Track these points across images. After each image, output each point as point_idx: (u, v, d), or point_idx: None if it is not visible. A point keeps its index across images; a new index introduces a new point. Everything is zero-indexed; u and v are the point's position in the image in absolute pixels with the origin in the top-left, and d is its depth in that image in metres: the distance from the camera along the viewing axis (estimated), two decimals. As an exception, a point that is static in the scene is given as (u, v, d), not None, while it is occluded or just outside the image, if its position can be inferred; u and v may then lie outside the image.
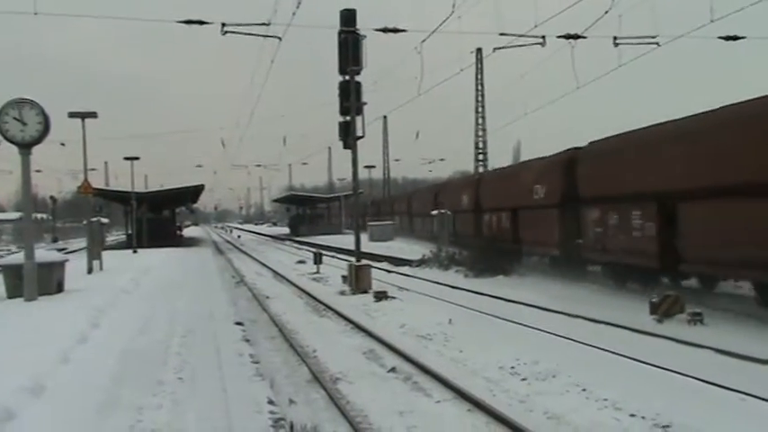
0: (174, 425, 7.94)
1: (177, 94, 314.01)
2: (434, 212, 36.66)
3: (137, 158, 50.92)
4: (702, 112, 16.20)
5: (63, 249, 47.70)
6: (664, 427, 7.85)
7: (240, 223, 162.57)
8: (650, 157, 17.68)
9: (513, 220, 28.38)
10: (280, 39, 22.25)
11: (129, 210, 53.29)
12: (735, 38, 22.41)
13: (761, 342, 12.12)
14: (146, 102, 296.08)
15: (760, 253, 13.73)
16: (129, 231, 55.21)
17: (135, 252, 45.12)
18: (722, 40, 22.37)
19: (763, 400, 8.71)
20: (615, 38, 21.68)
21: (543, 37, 22.05)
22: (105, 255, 32.52)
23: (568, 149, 23.93)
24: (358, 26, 22.57)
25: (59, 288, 20.71)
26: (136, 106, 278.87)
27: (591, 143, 22.36)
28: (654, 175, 17.31)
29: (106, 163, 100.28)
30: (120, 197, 56.28)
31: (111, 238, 78.65)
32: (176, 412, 8.47)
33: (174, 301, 19.97)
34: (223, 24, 21.26)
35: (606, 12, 18.98)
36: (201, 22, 21.01)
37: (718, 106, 15.73)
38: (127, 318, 16.41)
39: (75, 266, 25.06)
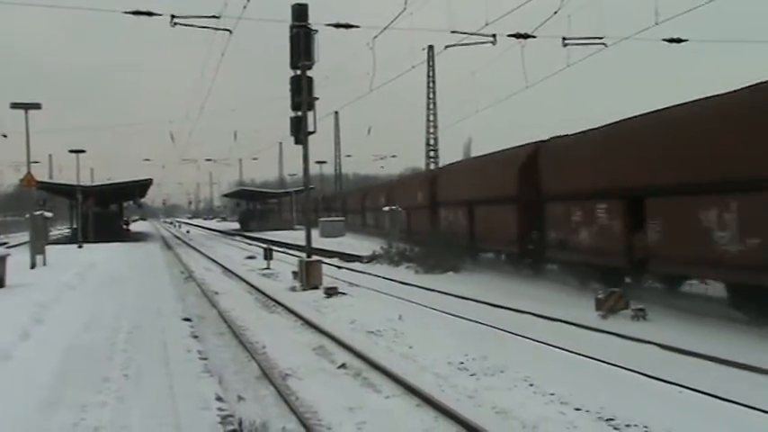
0: (118, 422, 7.80)
1: (125, 86, 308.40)
2: (386, 209, 36.73)
3: (82, 151, 49.94)
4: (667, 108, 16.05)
5: (4, 244, 46.41)
6: (607, 420, 8.03)
7: (189, 218, 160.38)
8: (618, 151, 17.26)
9: (470, 216, 28.11)
10: (230, 32, 22.02)
11: (75, 204, 52.14)
12: (678, 40, 22.92)
13: (700, 337, 12.48)
14: (92, 94, 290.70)
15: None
16: (75, 226, 54.04)
17: (80, 247, 44.14)
18: (666, 42, 22.85)
19: (699, 392, 8.98)
20: (564, 38, 21.98)
21: (494, 36, 22.26)
22: (49, 249, 31.77)
23: (529, 143, 23.64)
24: (310, 21, 22.46)
25: (0, 283, 20.18)
26: (82, 98, 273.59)
27: (554, 138, 22.14)
28: (621, 171, 16.92)
29: (50, 155, 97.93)
30: (65, 191, 55.03)
31: (56, 232, 76.92)
32: (121, 410, 8.32)
33: (121, 296, 19.62)
34: (172, 16, 20.94)
35: (555, 12, 19.24)
36: (150, 14, 20.66)
37: (662, 107, 16.04)
38: (71, 314, 16.06)
39: (18, 261, 24.41)
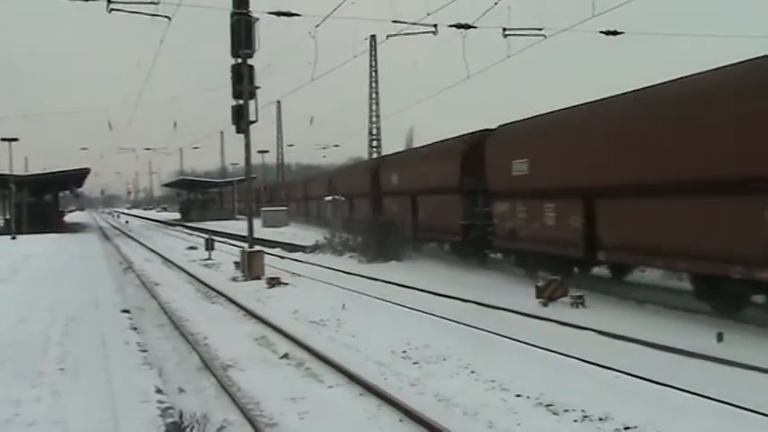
0: (53, 417, 7.60)
1: (60, 73, 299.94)
2: (329, 198, 36.61)
3: (15, 140, 48.38)
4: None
5: (-68, 235, 44.83)
6: (547, 405, 8.19)
7: (128, 208, 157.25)
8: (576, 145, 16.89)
9: (413, 206, 28.18)
10: (169, 18, 21.54)
11: (8, 194, 50.58)
12: (614, 32, 23.33)
13: (635, 323, 12.81)
14: (26, 81, 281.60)
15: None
16: (8, 216, 52.43)
17: (14, 239, 42.90)
18: (603, 35, 23.24)
19: (635, 376, 9.23)
20: (504, 29, 22.16)
21: (435, 26, 22.28)
22: (-20, 241, 30.76)
23: (476, 132, 23.41)
24: (251, 8, 22.19)
25: (-71, 276, 19.49)
26: (15, 85, 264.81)
27: (501, 126, 21.82)
28: (578, 166, 16.64)
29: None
30: (-2, 180, 53.34)
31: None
32: (57, 405, 8.11)
33: (57, 288, 19.10)
34: (109, 1, 20.37)
35: (495, 3, 19.36)
36: (86, -1, 20.08)
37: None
38: (4, 307, 15.59)
39: (-53, 253, 23.59)
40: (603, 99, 16.53)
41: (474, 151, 22.39)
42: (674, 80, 14.15)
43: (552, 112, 18.90)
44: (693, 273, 14.04)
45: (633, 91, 15.35)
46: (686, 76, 13.84)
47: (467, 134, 24.22)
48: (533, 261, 19.72)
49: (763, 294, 12.85)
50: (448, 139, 26.28)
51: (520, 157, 19.49)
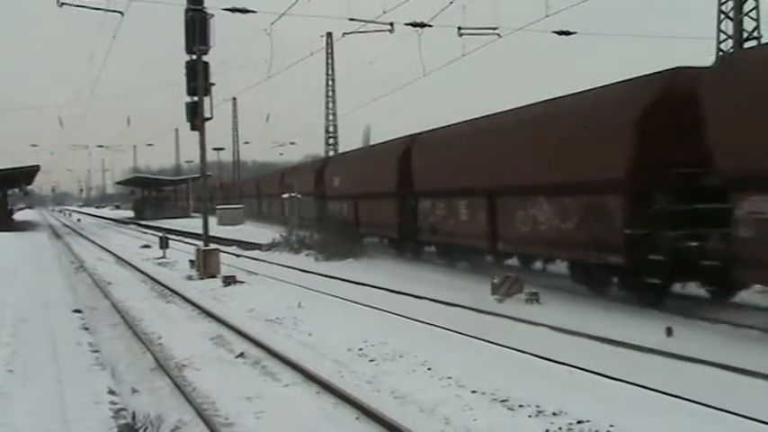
0: (1, 420, 7.43)
1: (8, 68, 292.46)
2: (285, 196, 36.43)
3: (-38, 136, 47.10)
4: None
5: None
6: (502, 401, 8.27)
7: (81, 206, 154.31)
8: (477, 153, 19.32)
9: (354, 207, 29.59)
10: (122, 14, 21.26)
11: (-47, 191, 49.29)
12: (567, 33, 23.68)
13: (588, 318, 13.02)
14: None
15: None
16: (-47, 215, 51.06)
17: (-40, 237, 41.76)
18: (556, 34, 23.57)
19: (587, 371, 9.38)
20: (459, 28, 22.32)
21: (392, 24, 22.39)
22: (-75, 240, 29.88)
23: (406, 137, 25.34)
24: (205, 5, 21.92)
25: None
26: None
27: (424, 132, 23.98)
28: (483, 173, 18.83)
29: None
30: (-58, 177, 51.86)
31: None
32: (4, 407, 7.92)
33: (5, 288, 18.63)
34: (59, -6, 19.99)
35: (451, 2, 19.51)
36: (35, -9, 19.67)
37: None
38: (-51, 308, 15.17)
39: None
40: (494, 114, 19.35)
41: (405, 155, 24.30)
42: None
43: (465, 121, 21.15)
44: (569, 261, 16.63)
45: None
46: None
47: (399, 138, 26.13)
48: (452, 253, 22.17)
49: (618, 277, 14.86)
50: (384, 143, 28.67)
51: (438, 161, 21.70)
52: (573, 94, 16.01)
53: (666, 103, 13.12)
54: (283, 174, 45.78)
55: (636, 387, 8.63)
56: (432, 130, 23.50)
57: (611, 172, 13.83)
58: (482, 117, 19.97)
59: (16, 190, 68.91)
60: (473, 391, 8.68)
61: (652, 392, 8.39)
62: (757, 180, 10.91)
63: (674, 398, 8.14)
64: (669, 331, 11.46)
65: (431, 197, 22.62)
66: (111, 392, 8.45)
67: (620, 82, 14.58)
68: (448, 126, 22.32)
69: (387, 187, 25.63)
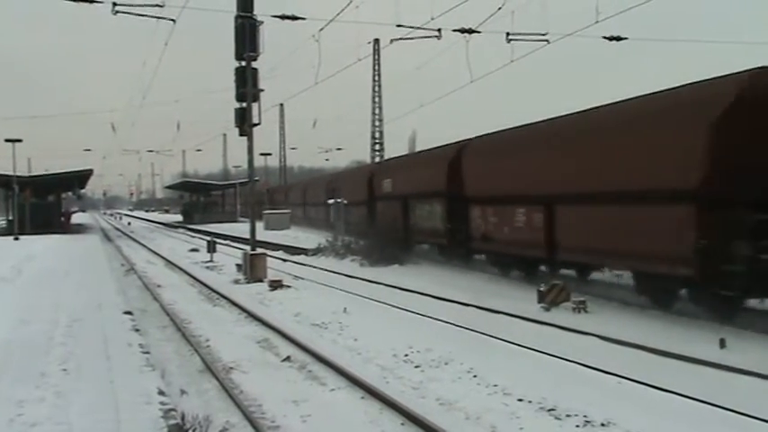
0: (56, 418, 7.62)
1: (65, 75, 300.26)
2: (330, 201, 36.62)
3: (19, 141, 48.47)
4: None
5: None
6: (549, 410, 8.19)
7: (131, 210, 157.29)
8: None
9: (405, 211, 29.06)
10: (174, 21, 21.63)
11: (11, 194, 50.64)
12: (618, 38, 23.36)
13: (637, 328, 12.78)
14: (30, 82, 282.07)
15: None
16: (11, 217, 52.46)
17: (17, 239, 42.94)
18: (606, 40, 23.28)
19: (637, 382, 9.22)
20: (508, 33, 22.17)
21: (439, 30, 22.33)
22: (-17, 241, 30.80)
23: (458, 142, 24.87)
24: (255, 12, 22.22)
25: (-68, 276, 19.51)
26: (19, 86, 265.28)
27: (476, 138, 23.43)
28: (542, 179, 18.07)
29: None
30: (1, 181, 53.34)
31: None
32: (60, 405, 8.13)
33: (60, 289, 19.13)
34: (114, 4, 20.43)
35: (499, 8, 19.42)
36: (91, 1, 20.15)
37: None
38: (7, 307, 15.63)
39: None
40: (552, 118, 18.88)
41: (456, 160, 23.67)
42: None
43: (522, 126, 20.47)
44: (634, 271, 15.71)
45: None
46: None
47: (450, 144, 25.61)
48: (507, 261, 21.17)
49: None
50: (434, 149, 28.00)
51: (491, 166, 20.99)
52: (640, 96, 15.21)
53: (748, 105, 12.12)
54: (330, 180, 45.96)
55: (686, 399, 8.47)
56: (485, 135, 22.97)
57: (684, 179, 12.84)
58: (541, 121, 19.38)
59: (70, 193, 70.39)
60: (519, 400, 8.61)
61: (703, 405, 8.23)
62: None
63: (725, 410, 7.97)
64: (722, 343, 11.20)
65: (482, 204, 21.89)
66: (161, 393, 8.61)
67: (696, 82, 13.71)
68: (503, 131, 21.73)
69: (435, 191, 25.21)
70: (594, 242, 16.03)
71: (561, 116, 18.41)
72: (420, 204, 27.48)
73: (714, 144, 12.31)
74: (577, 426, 7.68)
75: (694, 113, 12.94)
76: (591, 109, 17.11)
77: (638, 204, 14.44)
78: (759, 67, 12.55)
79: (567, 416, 7.96)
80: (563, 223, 17.50)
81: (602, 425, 7.62)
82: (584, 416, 7.87)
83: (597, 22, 19.32)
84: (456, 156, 23.95)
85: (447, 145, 26.36)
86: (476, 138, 23.77)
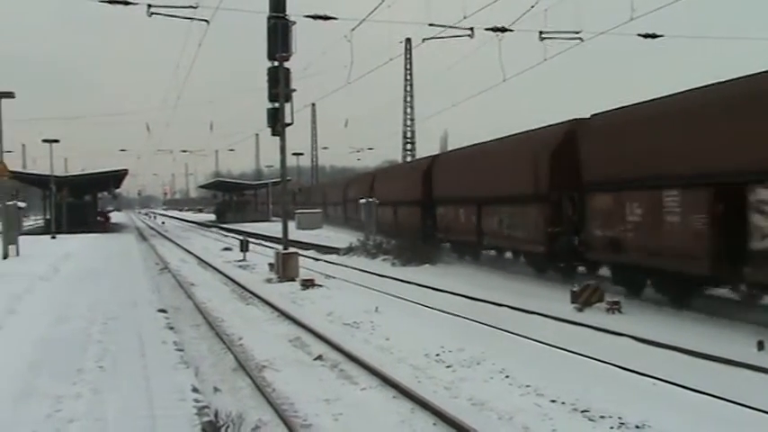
0: (93, 414, 7.73)
1: (100, 76, 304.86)
2: (362, 201, 36.61)
3: (56, 141, 49.28)
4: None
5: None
6: (582, 411, 8.12)
7: (165, 209, 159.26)
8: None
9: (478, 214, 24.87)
10: (207, 22, 21.81)
11: (48, 194, 51.52)
12: (653, 36, 23.08)
13: (673, 330, 12.62)
14: (67, 83, 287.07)
15: None
16: (48, 216, 53.39)
17: (54, 238, 43.66)
18: (641, 38, 23.01)
19: (672, 384, 9.10)
20: (541, 32, 22.02)
21: (471, 29, 22.24)
22: (22, 240, 31.37)
23: (564, 122, 19.50)
24: (287, 12, 22.32)
25: (-28, 274, 19.90)
26: (56, 87, 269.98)
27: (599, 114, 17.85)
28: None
29: (24, 145, 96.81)
30: (39, 181, 54.34)
31: (29, 223, 75.90)
32: (96, 401, 8.25)
33: (95, 287, 19.42)
34: (149, 5, 20.67)
35: (532, 6, 19.33)
36: (126, 3, 20.39)
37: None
38: (45, 304, 15.89)
39: (-10, 252, 24.06)
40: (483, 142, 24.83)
41: (564, 146, 18.70)
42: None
43: (670, 95, 15.15)
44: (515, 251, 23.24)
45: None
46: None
47: (550, 126, 20.43)
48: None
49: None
50: (522, 133, 22.30)
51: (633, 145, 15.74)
52: (514, 134, 20.73)
53: (567, 142, 12.80)
54: (372, 179, 42.82)
55: (723, 401, 8.34)
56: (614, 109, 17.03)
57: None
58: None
59: (105, 193, 71.49)
60: (552, 401, 8.55)
61: (740, 407, 8.10)
62: None
63: (763, 413, 7.83)
64: (761, 345, 11.00)
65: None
66: (195, 390, 8.68)
67: (542, 127, 19.18)
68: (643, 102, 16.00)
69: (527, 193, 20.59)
70: (499, 230, 22.33)
71: (483, 142, 25.05)
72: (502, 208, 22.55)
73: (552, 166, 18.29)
74: (612, 427, 7.60)
75: (542, 146, 19.04)
76: (489, 141, 24.34)
77: (514, 204, 20.94)
78: (576, 119, 18.40)
79: (601, 417, 7.88)
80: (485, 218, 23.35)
81: (637, 427, 7.54)
82: (619, 417, 7.80)
83: (632, 19, 19.10)
84: (564, 140, 18.80)
85: (542, 128, 20.92)
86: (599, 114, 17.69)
